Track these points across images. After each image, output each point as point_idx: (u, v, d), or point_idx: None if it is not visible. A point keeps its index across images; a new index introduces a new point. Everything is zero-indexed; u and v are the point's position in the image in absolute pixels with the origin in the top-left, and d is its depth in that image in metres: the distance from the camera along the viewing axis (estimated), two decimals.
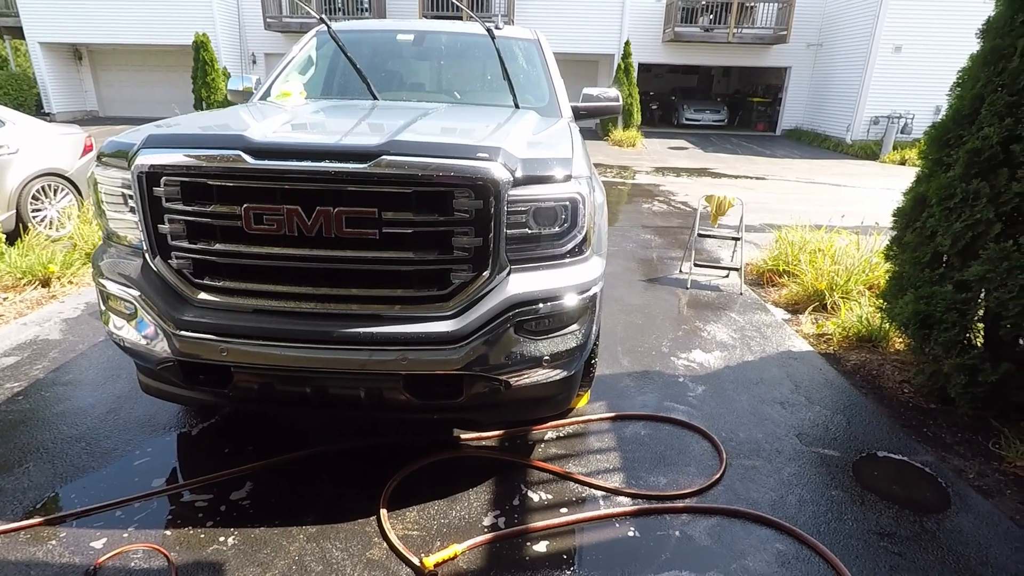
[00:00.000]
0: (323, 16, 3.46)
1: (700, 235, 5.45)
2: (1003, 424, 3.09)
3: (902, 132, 16.23)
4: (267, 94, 3.56)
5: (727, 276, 5.47)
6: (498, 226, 2.08)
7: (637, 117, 18.09)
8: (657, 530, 2.35)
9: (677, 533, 2.34)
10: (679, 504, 2.48)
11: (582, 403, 3.20)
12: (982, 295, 3.15)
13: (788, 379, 3.63)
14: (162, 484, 2.49)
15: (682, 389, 3.44)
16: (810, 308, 4.68)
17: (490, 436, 2.89)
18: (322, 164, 1.99)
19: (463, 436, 2.87)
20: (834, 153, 16.95)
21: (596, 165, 12.63)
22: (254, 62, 20.19)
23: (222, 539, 2.21)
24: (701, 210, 5.51)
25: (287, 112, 2.82)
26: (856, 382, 3.64)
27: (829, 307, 4.61)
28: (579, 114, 3.85)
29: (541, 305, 2.16)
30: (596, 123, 19.74)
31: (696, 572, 2.15)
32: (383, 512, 2.35)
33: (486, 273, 2.11)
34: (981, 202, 3.05)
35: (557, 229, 2.21)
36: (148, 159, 2.04)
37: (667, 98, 23.41)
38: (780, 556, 2.24)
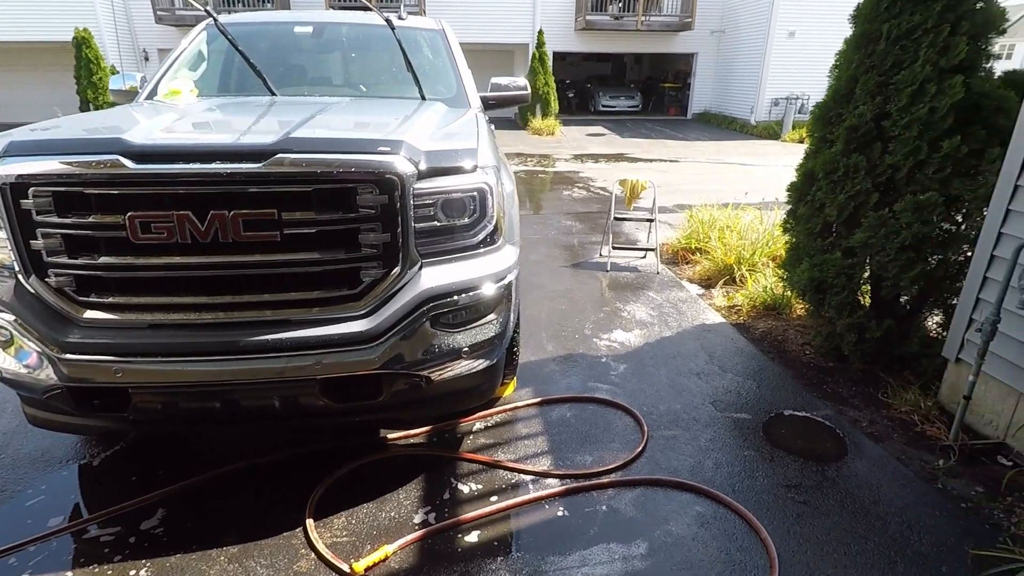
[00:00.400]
0: (209, 8, 3.27)
1: (617, 219, 5.61)
2: (888, 375, 3.39)
3: (800, 112, 17.30)
4: (154, 93, 3.34)
5: (644, 257, 5.66)
6: (405, 220, 2.05)
7: (555, 105, 18.30)
8: (585, 507, 2.42)
9: (604, 508, 2.41)
10: (605, 480, 2.56)
11: (508, 391, 3.23)
12: (867, 260, 3.43)
13: (703, 350, 3.82)
14: (60, 522, 2.31)
15: (605, 369, 3.55)
16: (721, 282, 4.94)
17: (418, 433, 2.87)
18: (212, 166, 1.89)
19: (390, 436, 2.83)
20: (740, 134, 17.84)
21: (517, 154, 12.72)
22: (146, 59, 18.86)
23: (132, 573, 2.08)
24: (616, 194, 5.67)
25: (175, 111, 2.66)
26: (764, 348, 3.87)
27: (738, 280, 4.87)
28: (489, 104, 3.85)
29: (456, 297, 2.16)
30: (515, 113, 19.84)
31: (623, 543, 2.23)
32: (309, 522, 2.29)
33: (397, 269, 2.09)
34: (860, 175, 3.31)
35: (467, 220, 2.21)
36: (12, 169, 1.87)
37: (583, 86, 23.84)
38: (699, 518, 2.36)
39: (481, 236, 2.26)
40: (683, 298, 4.72)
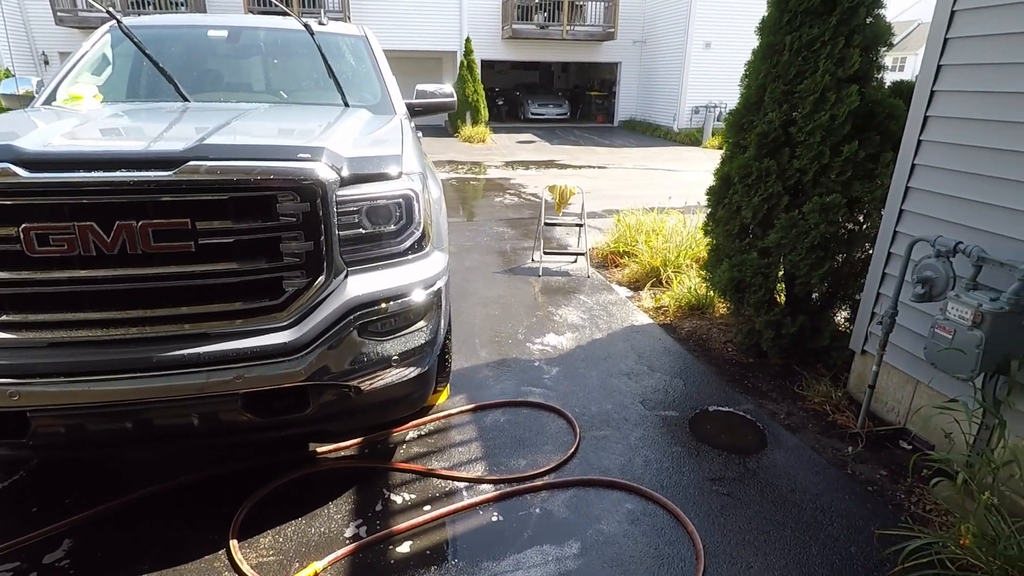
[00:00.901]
0: (112, 9, 3.09)
1: (547, 224, 5.70)
2: (803, 368, 3.61)
3: (718, 120, 18.15)
4: (52, 98, 3.11)
5: (575, 261, 5.78)
6: (329, 228, 2.01)
7: (484, 113, 18.41)
8: (519, 510, 2.43)
9: (537, 510, 2.44)
10: (538, 482, 2.58)
11: (442, 399, 3.21)
12: (780, 259, 3.63)
13: (632, 351, 3.93)
14: None
15: (538, 373, 3.59)
16: (649, 284, 5.10)
17: (349, 445, 2.80)
18: (117, 174, 1.78)
19: (319, 449, 2.75)
20: (665, 141, 18.55)
21: (448, 162, 12.69)
22: (46, 62, 17.56)
23: None
24: (546, 200, 5.76)
25: (76, 117, 2.48)
26: (689, 347, 4.03)
27: (664, 282, 5.05)
28: (415, 111, 3.83)
29: (384, 305, 2.13)
30: (445, 120, 19.81)
31: (556, 544, 2.26)
32: (233, 543, 2.18)
33: (321, 278, 2.03)
34: (771, 178, 3.51)
35: (393, 227, 2.19)
36: None
37: (512, 94, 24.10)
38: (630, 515, 2.43)
39: (408, 243, 2.24)
40: (613, 301, 4.85)
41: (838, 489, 2.62)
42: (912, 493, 2.59)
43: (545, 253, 5.64)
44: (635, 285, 5.23)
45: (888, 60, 3.51)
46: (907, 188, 2.94)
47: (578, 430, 2.96)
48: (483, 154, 14.37)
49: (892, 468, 2.75)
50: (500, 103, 23.56)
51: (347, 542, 2.23)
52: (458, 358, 3.71)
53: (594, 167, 12.83)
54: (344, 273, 2.09)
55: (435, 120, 19.86)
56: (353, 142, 2.27)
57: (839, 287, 3.63)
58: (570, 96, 24.49)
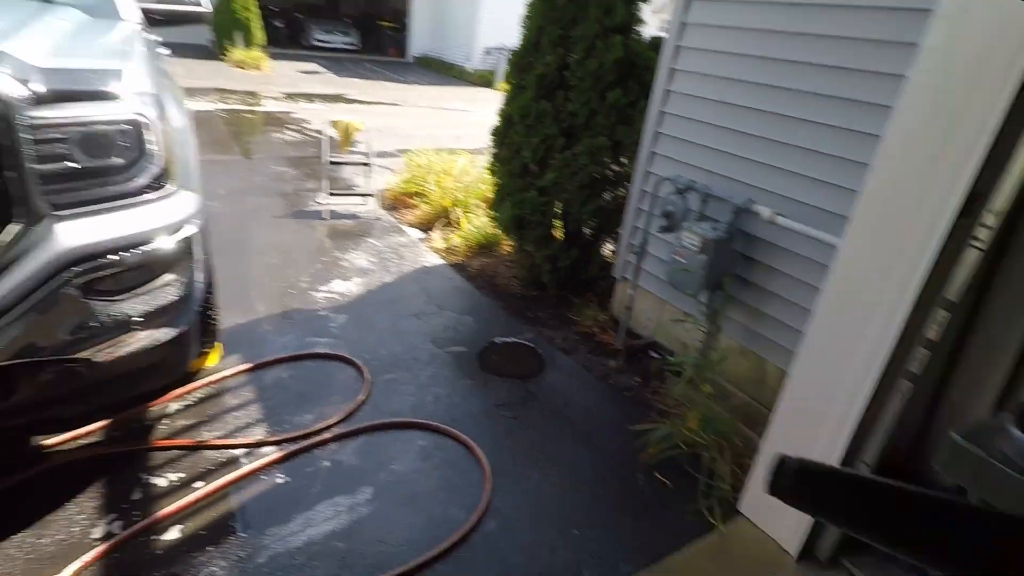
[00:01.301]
0: None
1: (332, 163, 5.33)
2: (576, 297, 3.96)
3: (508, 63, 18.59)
4: None
5: (364, 203, 5.54)
6: (18, 160, 1.59)
7: (259, 35, 16.31)
8: (307, 467, 2.33)
9: (327, 463, 2.35)
10: (326, 435, 2.49)
11: (211, 361, 2.87)
12: (557, 197, 3.87)
13: (423, 292, 3.94)
14: None
15: (324, 322, 3.41)
16: (439, 225, 5.11)
17: (92, 431, 2.37)
18: None
19: (47, 442, 2.28)
20: (459, 80, 18.44)
21: (216, 90, 11.11)
22: None
23: None
24: (329, 136, 5.36)
25: None
26: (478, 284, 4.16)
27: (455, 222, 5.10)
28: (153, 19, 3.19)
29: (113, 257, 1.78)
30: (211, 40, 17.18)
31: (348, 493, 2.21)
32: None
33: (14, 226, 1.62)
34: (547, 120, 3.67)
35: (118, 161, 1.82)
36: None
37: (292, 16, 21.71)
38: (422, 452, 2.47)
39: (142, 181, 1.88)
40: (404, 243, 4.78)
41: (603, 399, 2.97)
42: (657, 393, 3.04)
43: (331, 194, 5.29)
44: (426, 226, 5.20)
45: (656, 20, 3.82)
46: (656, 133, 3.29)
47: (367, 376, 2.90)
48: (259, 83, 12.83)
49: (644, 375, 3.20)
50: (279, 25, 21.06)
51: (96, 543, 1.92)
52: (231, 314, 3.34)
53: (386, 104, 12.29)
54: (50, 218, 1.69)
55: (195, 38, 17.07)
56: (54, 49, 1.81)
57: (606, 223, 4.01)
58: (359, 25, 22.85)
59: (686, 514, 2.28)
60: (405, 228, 5.12)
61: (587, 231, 4.09)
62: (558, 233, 4.15)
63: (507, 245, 4.66)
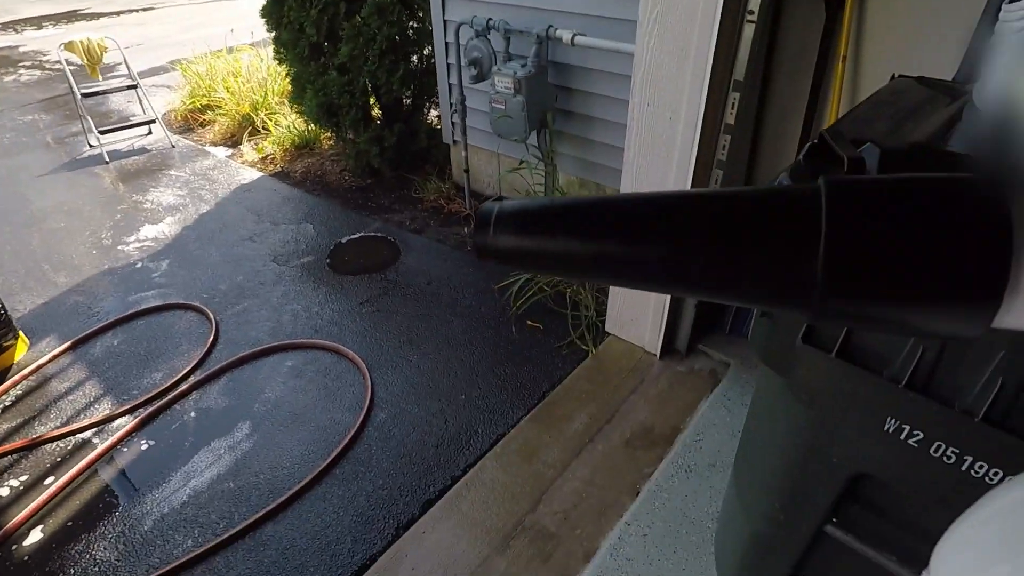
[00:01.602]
0: None
1: (86, 95, 4.43)
2: (415, 174, 3.81)
3: None
4: None
5: (149, 132, 4.77)
6: None
7: None
8: (171, 425, 2.16)
9: (193, 414, 2.20)
10: (184, 387, 2.30)
11: (19, 354, 2.48)
12: (360, 73, 3.54)
13: (249, 212, 3.58)
14: None
15: (145, 274, 3.02)
16: (246, 135, 4.57)
17: None
18: None
19: None
20: None
21: None
22: None
23: None
24: (68, 63, 4.41)
25: None
26: (308, 188, 3.86)
27: (261, 128, 4.58)
28: None
29: None
30: None
31: (225, 434, 2.10)
32: None
33: None
34: None
35: None
36: None
37: None
38: (293, 371, 2.38)
39: None
40: (211, 165, 4.24)
41: (464, 266, 2.98)
42: None
43: (102, 132, 4.47)
44: (232, 141, 4.63)
45: None
46: None
47: (212, 316, 2.66)
48: None
49: None
50: None
51: None
52: (26, 296, 2.86)
53: (137, 10, 10.28)
54: None
55: None
56: None
57: (422, 88, 3.77)
58: None
59: (562, 349, 2.44)
60: (208, 149, 4.52)
61: (405, 101, 3.85)
62: (376, 112, 3.87)
63: (326, 139, 4.30)
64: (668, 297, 2.20)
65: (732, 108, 1.96)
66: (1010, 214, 0.33)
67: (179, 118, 5.06)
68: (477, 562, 1.68)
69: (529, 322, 2.58)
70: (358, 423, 2.10)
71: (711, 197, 0.40)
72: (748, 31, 1.81)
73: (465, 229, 3.30)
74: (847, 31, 1.83)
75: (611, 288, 2.45)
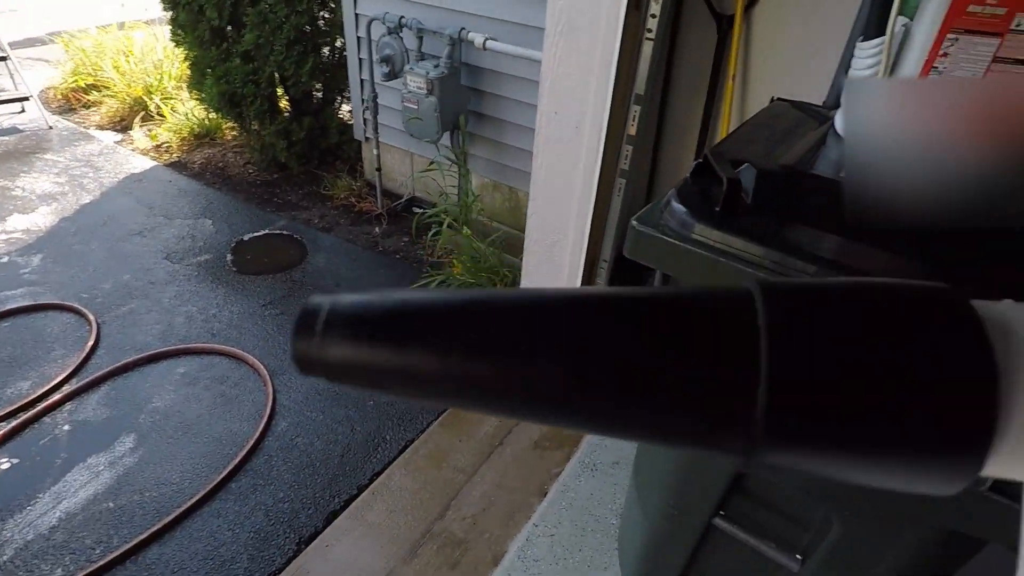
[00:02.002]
0: None
1: None
2: (325, 170, 3.68)
3: None
4: None
5: (22, 111, 4.30)
6: None
7: None
8: (40, 440, 1.95)
9: (66, 427, 2.00)
10: (55, 397, 2.09)
11: None
12: (267, 62, 3.37)
13: (140, 204, 3.31)
14: None
15: (12, 270, 2.72)
16: (138, 120, 4.22)
17: None
18: None
19: None
20: None
21: None
22: None
23: None
24: None
25: None
26: (207, 180, 3.62)
27: (156, 113, 4.25)
28: None
29: None
30: None
31: (105, 450, 1.93)
32: None
33: None
34: None
35: None
36: None
37: None
38: (185, 378, 2.22)
39: None
40: (96, 151, 3.88)
41: (375, 266, 2.91)
42: (427, 248, 3.07)
43: None
44: (121, 125, 4.26)
45: None
46: None
47: (94, 320, 2.43)
48: None
49: (411, 233, 3.18)
50: None
51: None
52: None
53: None
54: None
55: None
56: None
57: (332, 82, 3.64)
58: None
59: None
60: (93, 132, 4.14)
61: (316, 95, 3.70)
62: (284, 104, 3.69)
63: (229, 129, 4.06)
64: None
65: (634, 121, 2.04)
66: (988, 336, 0.26)
67: (59, 96, 4.60)
68: (383, 573, 1.64)
69: None
70: (258, 433, 2.00)
71: (613, 303, 0.31)
72: (647, 48, 1.89)
73: (376, 229, 3.22)
74: (736, 53, 1.95)
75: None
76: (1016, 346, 0.26)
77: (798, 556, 1.02)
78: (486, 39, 2.43)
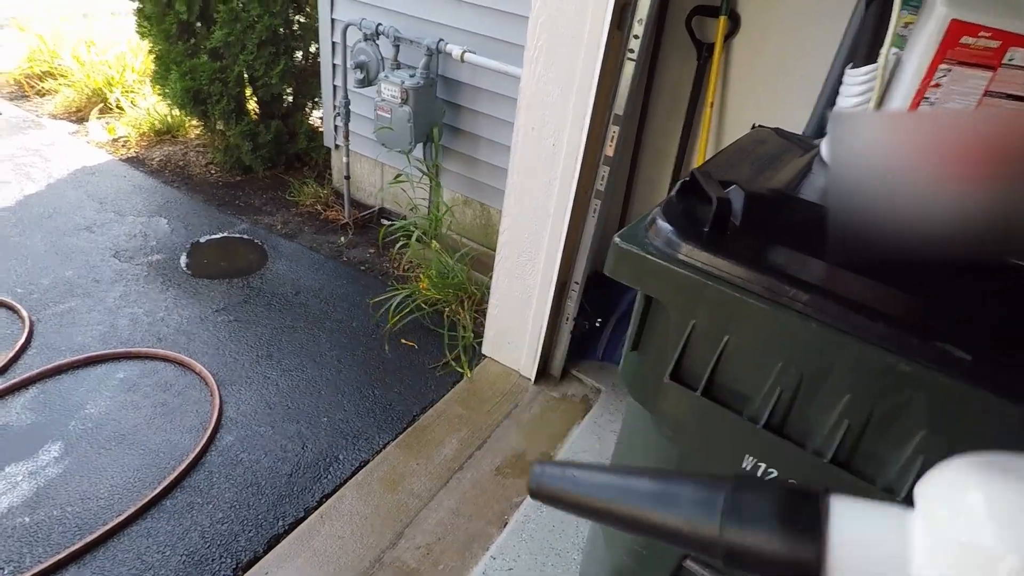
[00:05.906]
0: None
1: None
2: (291, 175, 3.57)
3: None
4: None
5: None
6: None
7: None
8: None
9: None
10: None
11: None
12: (236, 61, 3.26)
13: (91, 198, 3.14)
14: None
15: None
16: (96, 112, 4.03)
17: None
18: None
19: None
20: None
21: None
22: None
23: None
24: None
25: None
26: (166, 178, 3.46)
27: (116, 106, 4.07)
28: None
29: None
30: None
31: (26, 459, 1.77)
32: None
33: None
34: None
35: None
36: None
37: None
38: (124, 384, 2.07)
39: None
40: (48, 141, 3.68)
41: (337, 277, 2.81)
42: (393, 260, 2.99)
43: None
44: (77, 116, 4.06)
45: None
46: None
47: (25, 314, 2.26)
48: None
49: (377, 244, 3.09)
50: None
51: None
52: None
53: None
54: None
55: None
56: None
57: (303, 86, 3.55)
58: None
59: (436, 370, 2.35)
60: (45, 121, 3.93)
61: (286, 99, 3.60)
62: (252, 105, 3.58)
63: (192, 127, 3.91)
64: (545, 322, 2.21)
65: (612, 141, 2.02)
66: None
67: (11, 82, 4.36)
68: None
69: (403, 341, 2.47)
70: (200, 446, 1.87)
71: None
72: (629, 68, 1.88)
73: (342, 238, 3.12)
74: (715, 80, 1.96)
75: (490, 310, 2.41)
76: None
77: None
78: (464, 51, 2.40)
